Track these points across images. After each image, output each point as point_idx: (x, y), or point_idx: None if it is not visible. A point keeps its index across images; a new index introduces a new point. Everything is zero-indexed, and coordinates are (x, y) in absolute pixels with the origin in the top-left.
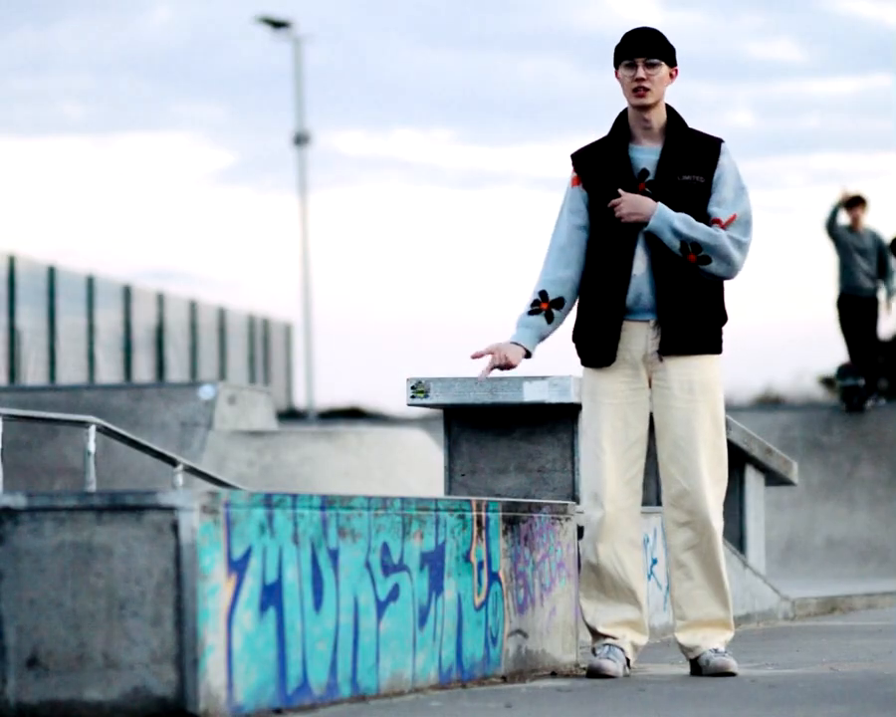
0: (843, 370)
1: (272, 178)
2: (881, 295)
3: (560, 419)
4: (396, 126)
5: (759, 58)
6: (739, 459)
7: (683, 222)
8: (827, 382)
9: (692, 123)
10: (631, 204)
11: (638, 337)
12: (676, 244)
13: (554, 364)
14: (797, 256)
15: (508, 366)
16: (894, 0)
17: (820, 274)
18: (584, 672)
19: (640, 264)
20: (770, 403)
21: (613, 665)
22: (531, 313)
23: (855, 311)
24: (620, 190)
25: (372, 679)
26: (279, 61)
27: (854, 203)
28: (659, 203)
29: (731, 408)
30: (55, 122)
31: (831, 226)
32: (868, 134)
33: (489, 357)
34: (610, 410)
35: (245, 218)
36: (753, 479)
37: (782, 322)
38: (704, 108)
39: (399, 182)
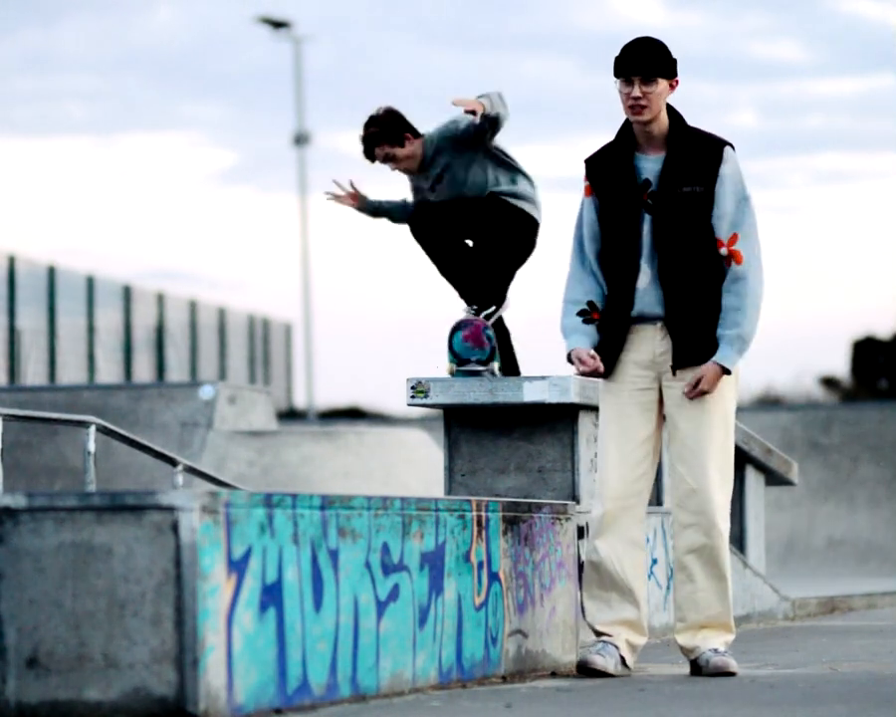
0: None
1: (272, 178)
2: None
3: (560, 419)
4: None
5: (761, 58)
6: (739, 459)
7: (738, 342)
8: (827, 383)
9: (694, 125)
10: (709, 382)
11: (646, 340)
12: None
13: (554, 365)
14: (799, 256)
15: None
16: None
17: (821, 274)
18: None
19: (644, 277)
20: (770, 403)
21: (602, 660)
22: (586, 321)
23: None
24: (699, 376)
25: (372, 679)
26: (279, 61)
27: None
28: (713, 362)
29: None
30: (57, 122)
31: None
32: (871, 134)
33: (592, 362)
34: (616, 410)
35: (245, 218)
36: (753, 479)
37: (782, 322)
38: (706, 108)
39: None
